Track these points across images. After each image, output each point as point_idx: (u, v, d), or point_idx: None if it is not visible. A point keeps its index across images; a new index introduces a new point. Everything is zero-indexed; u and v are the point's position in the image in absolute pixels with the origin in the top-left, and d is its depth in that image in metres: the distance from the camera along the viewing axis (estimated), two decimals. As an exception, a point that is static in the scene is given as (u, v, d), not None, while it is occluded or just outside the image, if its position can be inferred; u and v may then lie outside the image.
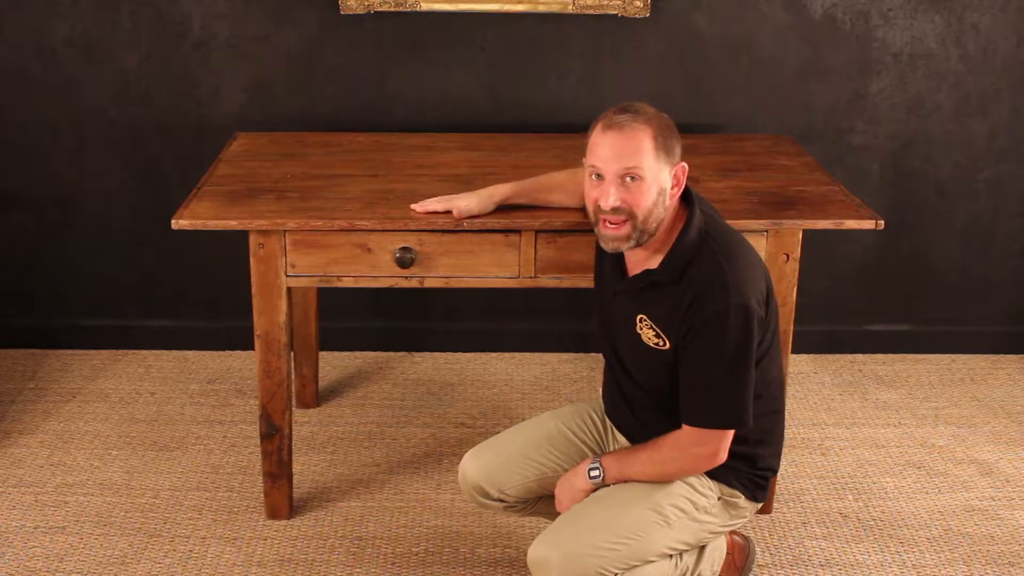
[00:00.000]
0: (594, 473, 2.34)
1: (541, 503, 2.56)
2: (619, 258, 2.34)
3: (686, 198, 2.30)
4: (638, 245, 2.24)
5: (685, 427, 2.25)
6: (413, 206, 2.62)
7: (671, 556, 2.36)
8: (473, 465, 2.49)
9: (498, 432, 2.70)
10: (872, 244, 3.71)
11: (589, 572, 2.24)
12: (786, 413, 2.60)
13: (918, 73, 3.52)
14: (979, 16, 3.46)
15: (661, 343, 2.25)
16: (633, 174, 2.18)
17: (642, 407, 2.39)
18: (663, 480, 2.31)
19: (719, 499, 2.36)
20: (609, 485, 2.35)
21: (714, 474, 2.34)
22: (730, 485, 2.36)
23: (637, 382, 2.38)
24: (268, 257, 2.63)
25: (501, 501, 2.51)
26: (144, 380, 3.60)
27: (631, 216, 2.20)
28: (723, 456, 2.27)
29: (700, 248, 2.22)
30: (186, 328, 3.76)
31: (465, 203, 2.57)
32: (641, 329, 2.28)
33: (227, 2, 3.40)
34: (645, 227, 2.21)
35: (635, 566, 2.29)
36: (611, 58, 3.47)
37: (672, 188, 2.22)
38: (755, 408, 2.27)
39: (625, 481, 2.33)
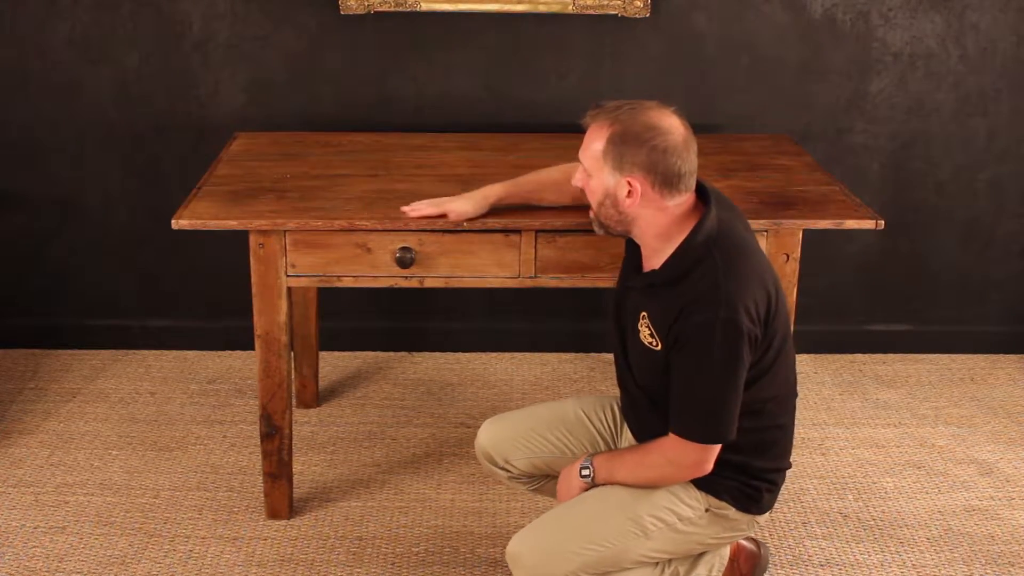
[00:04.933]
0: (584, 472, 2.34)
1: (549, 483, 2.56)
2: (638, 252, 2.33)
3: (704, 199, 2.26)
4: (610, 234, 2.30)
5: (670, 435, 2.23)
6: (404, 208, 2.59)
7: (656, 563, 2.35)
8: (487, 432, 2.54)
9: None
10: (872, 244, 3.70)
11: (558, 574, 2.25)
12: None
13: (918, 73, 3.52)
14: (979, 16, 3.46)
15: (654, 343, 2.24)
16: (585, 167, 2.25)
17: (641, 406, 2.38)
18: (648, 486, 2.29)
19: (706, 511, 2.31)
20: (599, 484, 2.34)
21: (701, 484, 2.30)
22: (718, 496, 2.31)
23: (637, 380, 2.37)
24: (268, 257, 2.63)
25: (506, 471, 2.54)
26: (144, 380, 3.60)
27: (591, 205, 2.28)
28: (707, 467, 2.23)
29: (703, 257, 2.17)
30: (186, 328, 3.76)
31: (460, 207, 2.56)
32: (641, 327, 2.28)
33: (227, 2, 3.40)
34: (602, 222, 2.27)
35: (609, 571, 2.28)
36: (611, 58, 3.47)
37: (627, 197, 2.19)
38: (752, 422, 2.25)
39: (614, 483, 2.32)
